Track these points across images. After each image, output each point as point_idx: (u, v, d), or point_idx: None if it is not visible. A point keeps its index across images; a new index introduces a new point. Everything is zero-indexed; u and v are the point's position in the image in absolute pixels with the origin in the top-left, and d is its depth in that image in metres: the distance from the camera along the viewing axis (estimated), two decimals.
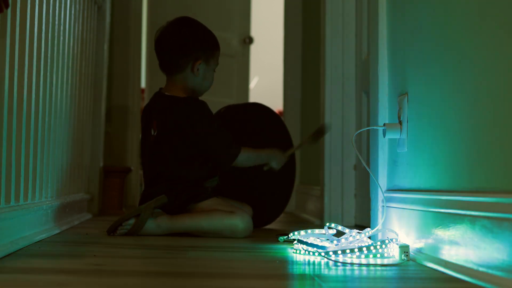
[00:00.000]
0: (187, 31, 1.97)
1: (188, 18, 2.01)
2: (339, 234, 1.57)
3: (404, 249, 1.34)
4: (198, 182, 1.94)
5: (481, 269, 1.05)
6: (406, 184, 1.47)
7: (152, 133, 1.95)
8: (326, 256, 1.36)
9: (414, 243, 1.37)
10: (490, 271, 1.02)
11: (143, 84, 4.26)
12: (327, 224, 1.58)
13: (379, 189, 1.59)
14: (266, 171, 2.05)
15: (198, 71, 1.95)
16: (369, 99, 1.77)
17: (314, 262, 1.33)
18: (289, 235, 1.64)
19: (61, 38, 1.91)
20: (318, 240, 1.48)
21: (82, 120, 2.37)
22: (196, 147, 1.92)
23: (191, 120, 1.90)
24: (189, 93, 1.97)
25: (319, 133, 2.20)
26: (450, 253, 1.19)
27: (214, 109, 2.06)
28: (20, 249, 1.38)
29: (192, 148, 1.92)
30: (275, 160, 2.03)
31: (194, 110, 1.92)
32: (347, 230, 1.51)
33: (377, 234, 1.56)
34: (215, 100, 2.01)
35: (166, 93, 1.98)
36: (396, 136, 1.52)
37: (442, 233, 1.22)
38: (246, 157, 1.96)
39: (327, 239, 1.51)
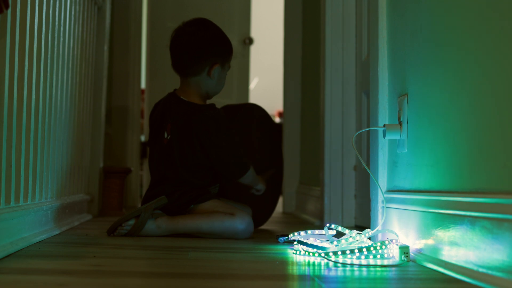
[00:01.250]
0: (205, 35, 1.95)
1: (205, 20, 2.00)
2: (339, 235, 1.57)
3: (404, 250, 1.34)
4: (201, 187, 1.94)
5: (481, 270, 1.05)
6: (406, 185, 1.47)
7: (166, 136, 1.94)
8: (326, 257, 1.36)
9: (414, 244, 1.37)
10: (490, 272, 1.02)
11: (143, 85, 4.27)
12: (327, 225, 1.58)
13: (379, 190, 1.59)
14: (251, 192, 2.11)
15: (214, 75, 1.95)
16: (369, 100, 1.77)
17: (314, 262, 1.33)
18: (289, 236, 1.64)
19: (61, 39, 1.91)
20: (318, 241, 1.48)
21: (82, 121, 2.37)
22: (208, 156, 1.91)
23: (208, 130, 1.89)
24: (203, 96, 1.97)
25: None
26: (450, 254, 1.19)
27: None
28: (20, 250, 1.38)
29: (203, 157, 1.91)
30: (260, 184, 2.09)
31: (212, 120, 1.90)
32: (347, 231, 1.51)
33: (377, 235, 1.56)
34: (215, 100, 2.00)
35: (182, 97, 1.96)
36: (396, 136, 1.52)
37: (442, 234, 1.22)
38: (250, 176, 1.99)
39: (327, 240, 1.51)
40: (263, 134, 2.27)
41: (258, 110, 2.29)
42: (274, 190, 2.32)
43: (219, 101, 2.70)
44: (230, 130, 1.94)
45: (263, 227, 2.27)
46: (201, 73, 1.94)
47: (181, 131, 1.91)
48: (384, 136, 1.54)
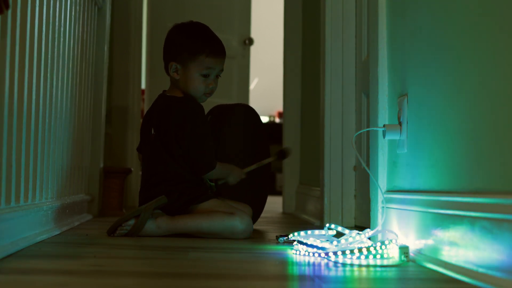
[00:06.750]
0: (173, 34, 1.99)
1: (191, 23, 2.01)
2: (339, 235, 1.57)
3: (404, 250, 1.34)
4: (196, 181, 1.94)
5: (480, 270, 1.06)
6: (405, 185, 1.48)
7: (152, 131, 1.96)
8: (326, 257, 1.36)
9: (414, 244, 1.37)
10: (489, 272, 1.03)
11: (143, 85, 4.26)
12: (327, 225, 1.59)
13: (379, 190, 1.59)
14: (221, 184, 2.08)
15: (175, 73, 1.95)
16: (369, 100, 1.78)
17: (314, 263, 1.33)
18: (289, 236, 1.64)
19: (61, 39, 1.91)
20: (318, 241, 1.48)
21: (82, 121, 2.37)
22: (183, 146, 1.91)
23: (182, 120, 1.90)
24: (186, 94, 1.97)
25: (282, 155, 2.31)
26: (449, 254, 1.19)
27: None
28: (20, 250, 1.38)
29: (180, 148, 1.92)
30: (232, 176, 2.05)
31: (187, 110, 1.92)
32: (347, 231, 1.51)
33: (376, 235, 1.56)
34: (215, 101, 2.01)
35: (167, 94, 2.00)
36: (396, 137, 1.52)
37: (442, 234, 1.22)
38: (216, 173, 1.98)
39: (327, 240, 1.51)
40: (248, 133, 2.26)
41: (244, 110, 2.29)
42: (262, 188, 2.31)
43: (220, 102, 2.70)
44: (205, 124, 1.94)
45: (263, 227, 2.27)
46: (168, 71, 1.99)
47: (161, 123, 1.93)
48: (384, 137, 1.54)
